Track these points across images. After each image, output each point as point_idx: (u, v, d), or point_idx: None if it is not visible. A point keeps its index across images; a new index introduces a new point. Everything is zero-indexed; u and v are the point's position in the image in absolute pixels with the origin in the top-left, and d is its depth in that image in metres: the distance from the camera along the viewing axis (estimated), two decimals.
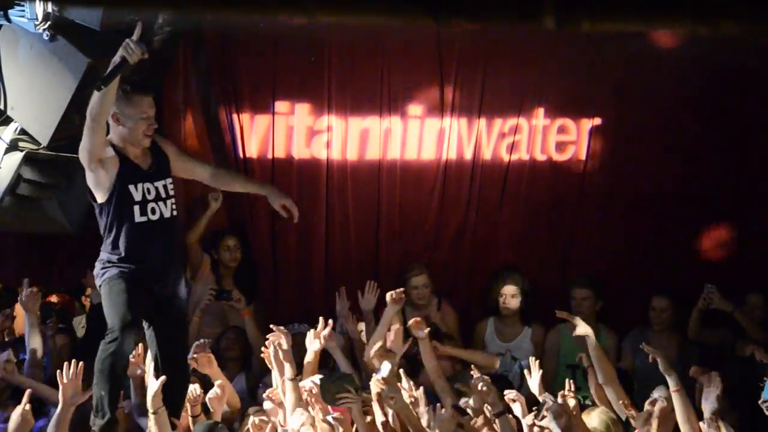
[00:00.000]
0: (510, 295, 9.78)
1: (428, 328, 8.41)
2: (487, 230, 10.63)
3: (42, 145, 8.41)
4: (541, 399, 7.43)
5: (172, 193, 7.49)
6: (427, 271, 9.85)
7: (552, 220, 10.66)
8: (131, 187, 7.29)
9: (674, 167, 10.57)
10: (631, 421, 7.44)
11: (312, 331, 8.02)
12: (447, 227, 10.60)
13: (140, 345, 7.82)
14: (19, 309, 9.31)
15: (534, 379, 7.77)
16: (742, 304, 9.53)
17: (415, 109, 10.42)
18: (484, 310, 10.10)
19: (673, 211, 10.57)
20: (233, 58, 10.18)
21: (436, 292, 9.94)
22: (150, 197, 7.33)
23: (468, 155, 10.49)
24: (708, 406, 7.25)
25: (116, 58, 6.91)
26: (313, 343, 7.95)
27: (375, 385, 7.36)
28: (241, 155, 10.28)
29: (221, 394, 7.75)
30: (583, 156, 10.56)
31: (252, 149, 10.27)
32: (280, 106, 10.28)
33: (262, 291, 10.34)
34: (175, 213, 7.50)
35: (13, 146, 8.44)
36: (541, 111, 10.47)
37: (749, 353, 8.59)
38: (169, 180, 7.50)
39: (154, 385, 7.18)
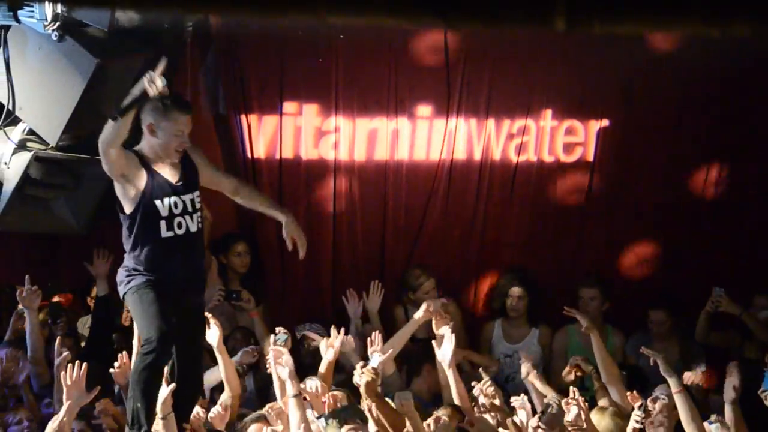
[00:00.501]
0: (517, 297, 9.77)
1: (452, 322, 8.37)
2: (494, 231, 10.61)
3: (50, 146, 8.40)
4: (546, 401, 7.46)
5: (198, 206, 7.32)
6: (434, 276, 9.83)
7: (559, 222, 10.64)
8: (158, 202, 7.12)
9: (682, 169, 10.58)
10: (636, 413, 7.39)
11: (325, 340, 7.96)
12: (454, 228, 10.58)
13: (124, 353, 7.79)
14: None
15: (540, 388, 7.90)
16: (749, 306, 9.52)
17: (423, 109, 10.40)
18: (490, 312, 10.11)
19: (681, 213, 10.58)
20: (241, 59, 10.15)
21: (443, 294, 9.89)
22: (177, 211, 7.18)
23: (476, 156, 10.46)
24: (727, 396, 7.52)
25: (136, 91, 6.83)
26: (327, 353, 7.91)
27: (366, 374, 7.30)
28: (250, 156, 10.26)
29: (223, 413, 7.71)
30: (590, 158, 10.55)
31: (260, 150, 10.25)
32: (288, 106, 10.25)
33: (270, 291, 10.30)
34: (200, 226, 7.34)
35: (21, 146, 8.43)
36: (549, 112, 10.45)
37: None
38: (197, 193, 7.33)
39: (164, 391, 7.10)
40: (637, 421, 7.27)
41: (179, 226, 7.17)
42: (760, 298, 9.60)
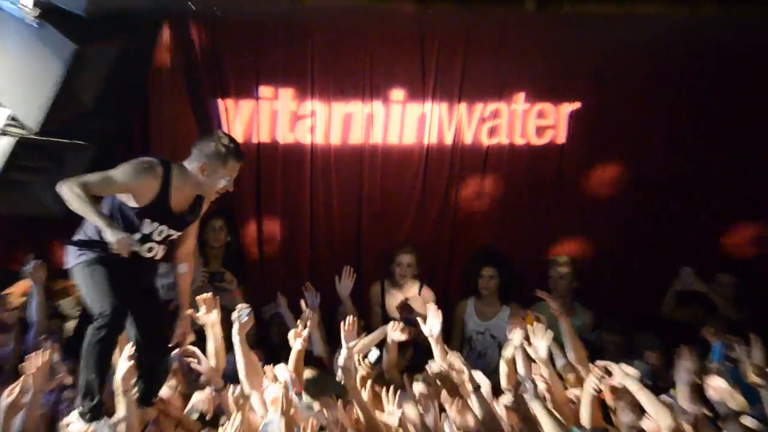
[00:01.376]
0: (488, 276, 9.81)
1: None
2: (467, 213, 10.68)
3: (31, 130, 8.37)
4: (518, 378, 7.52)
5: (173, 244, 7.50)
6: (415, 253, 9.91)
7: (530, 203, 10.71)
8: (147, 221, 7.20)
9: (651, 150, 10.64)
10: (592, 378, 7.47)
11: (293, 331, 7.97)
12: (428, 209, 10.64)
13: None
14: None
15: (542, 345, 7.90)
16: (713, 283, 9.66)
17: (397, 94, 10.44)
18: (464, 291, 10.12)
19: (649, 193, 10.66)
20: (218, 45, 10.15)
21: (420, 278, 9.97)
22: (156, 238, 7.30)
23: (448, 140, 10.52)
24: (682, 379, 7.51)
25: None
26: (296, 344, 7.91)
27: (362, 369, 7.44)
28: None
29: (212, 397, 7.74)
30: (561, 140, 10.62)
31: (237, 134, 10.23)
32: (264, 91, 10.28)
33: (250, 273, 10.31)
34: (159, 257, 7.43)
35: (2, 132, 8.40)
36: (521, 95, 10.51)
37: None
38: (180, 233, 7.47)
39: (123, 366, 7.10)
40: (593, 387, 7.37)
41: (149, 250, 7.30)
42: (723, 276, 9.74)
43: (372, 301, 9.98)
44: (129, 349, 7.17)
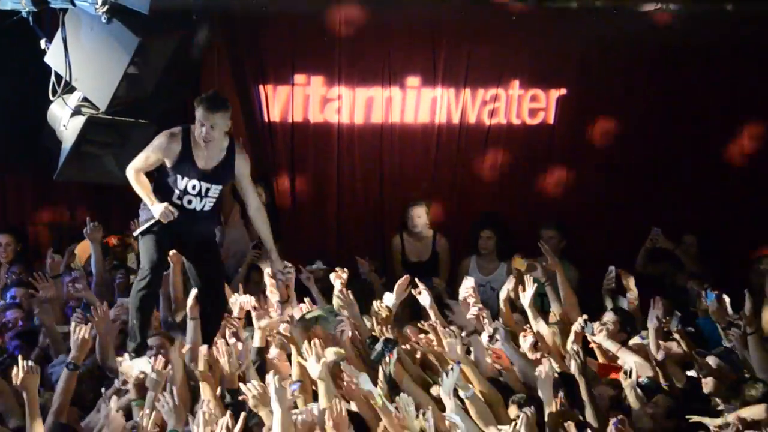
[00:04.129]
0: (486, 237, 9.92)
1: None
2: (471, 183, 10.79)
3: (101, 110, 8.43)
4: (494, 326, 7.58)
5: (214, 195, 7.37)
6: (425, 206, 10.05)
7: (526, 174, 10.82)
8: (178, 177, 7.27)
9: (629, 131, 10.71)
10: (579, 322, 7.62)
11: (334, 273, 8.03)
12: (439, 180, 10.75)
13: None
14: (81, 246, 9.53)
15: (527, 294, 8.02)
16: (680, 243, 9.74)
17: (412, 80, 10.56)
18: (467, 249, 10.23)
19: (627, 168, 10.75)
20: (259, 40, 10.30)
21: (433, 229, 10.12)
22: (192, 192, 7.30)
23: (456, 120, 10.64)
24: (652, 324, 7.54)
25: (153, 217, 7.17)
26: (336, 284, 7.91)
27: (383, 311, 7.49)
28: (266, 120, 10.44)
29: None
30: (551, 121, 10.72)
31: (275, 115, 10.42)
32: (299, 78, 10.41)
33: (284, 233, 10.45)
34: (208, 208, 7.39)
35: (77, 111, 8.45)
36: (516, 83, 10.61)
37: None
38: (220, 188, 7.40)
39: (190, 298, 7.36)
40: (576, 331, 7.52)
41: (189, 202, 7.32)
42: (689, 236, 9.83)
43: (394, 251, 10.15)
44: (193, 291, 7.42)
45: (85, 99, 8.47)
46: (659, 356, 7.19)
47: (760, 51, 10.36)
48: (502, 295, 8.30)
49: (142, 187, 7.25)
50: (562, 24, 9.98)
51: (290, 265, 7.79)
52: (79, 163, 8.67)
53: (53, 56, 8.39)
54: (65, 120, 8.51)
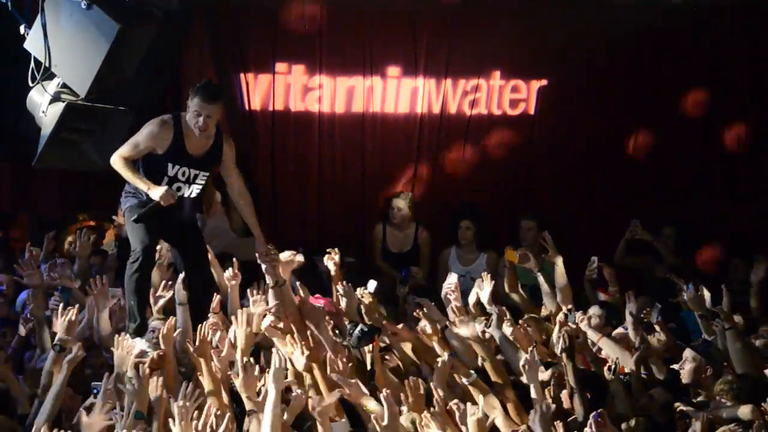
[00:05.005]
0: (465, 228, 9.89)
1: None
2: (452, 172, 10.77)
3: (80, 97, 8.34)
4: (489, 309, 7.60)
5: (202, 182, 7.43)
6: (408, 199, 10.02)
7: (505, 164, 10.80)
8: (169, 164, 7.28)
9: (609, 122, 10.73)
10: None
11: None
12: (420, 170, 10.71)
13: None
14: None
15: (485, 292, 7.87)
16: (659, 235, 9.74)
17: (393, 70, 10.51)
18: (447, 240, 10.20)
19: (608, 159, 10.77)
20: (241, 28, 10.23)
21: (415, 221, 10.09)
22: (181, 178, 7.33)
23: (436, 110, 10.60)
24: (629, 320, 7.53)
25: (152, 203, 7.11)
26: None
27: (365, 297, 7.41)
28: (247, 108, 10.37)
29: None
30: (532, 111, 10.71)
31: (256, 103, 10.36)
32: (280, 66, 10.35)
33: (265, 222, 10.37)
34: (195, 195, 7.44)
35: (56, 98, 8.34)
36: (497, 73, 10.59)
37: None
38: (207, 174, 7.46)
39: (179, 286, 7.38)
40: (560, 321, 7.48)
41: (178, 189, 7.29)
42: (668, 228, 9.87)
43: (375, 240, 10.12)
44: (180, 276, 7.44)
45: (64, 85, 8.36)
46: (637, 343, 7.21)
47: (743, 44, 10.43)
48: (471, 300, 8.03)
49: (133, 173, 7.18)
50: (543, 15, 9.96)
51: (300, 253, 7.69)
52: (58, 150, 8.57)
53: (33, 42, 8.31)
54: (44, 106, 8.39)
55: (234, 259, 7.88)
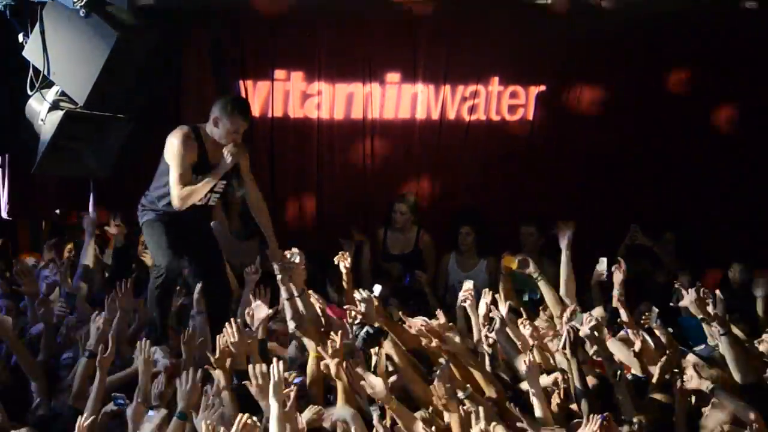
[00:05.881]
0: (465, 233, 9.83)
1: None
2: (451, 178, 10.73)
3: (79, 105, 8.42)
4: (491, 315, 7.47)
5: (220, 190, 7.63)
6: (409, 202, 9.97)
7: (505, 170, 10.76)
8: (193, 176, 7.41)
9: (608, 127, 10.69)
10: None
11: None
12: (419, 175, 10.68)
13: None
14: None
15: (481, 307, 7.69)
16: (660, 240, 9.70)
17: (392, 76, 10.47)
18: (447, 245, 10.15)
19: (607, 164, 10.73)
20: (240, 35, 10.17)
21: (416, 223, 10.03)
22: None
23: (435, 116, 10.56)
24: (615, 292, 7.68)
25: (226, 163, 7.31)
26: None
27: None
28: None
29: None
30: (530, 117, 10.67)
31: (255, 110, 10.20)
32: (279, 73, 10.29)
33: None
34: (212, 203, 7.70)
35: (55, 106, 8.46)
36: (496, 79, 10.56)
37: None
38: (225, 182, 7.62)
39: (197, 295, 7.38)
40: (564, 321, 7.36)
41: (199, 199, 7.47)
42: (669, 233, 9.85)
43: (375, 242, 10.04)
44: (198, 286, 7.44)
45: (63, 93, 8.45)
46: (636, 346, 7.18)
47: (743, 48, 10.39)
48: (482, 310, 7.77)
49: (200, 184, 7.34)
50: (542, 21, 9.91)
51: (298, 252, 7.51)
52: (57, 158, 8.66)
53: (31, 50, 8.40)
54: (43, 114, 8.50)
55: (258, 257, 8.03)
